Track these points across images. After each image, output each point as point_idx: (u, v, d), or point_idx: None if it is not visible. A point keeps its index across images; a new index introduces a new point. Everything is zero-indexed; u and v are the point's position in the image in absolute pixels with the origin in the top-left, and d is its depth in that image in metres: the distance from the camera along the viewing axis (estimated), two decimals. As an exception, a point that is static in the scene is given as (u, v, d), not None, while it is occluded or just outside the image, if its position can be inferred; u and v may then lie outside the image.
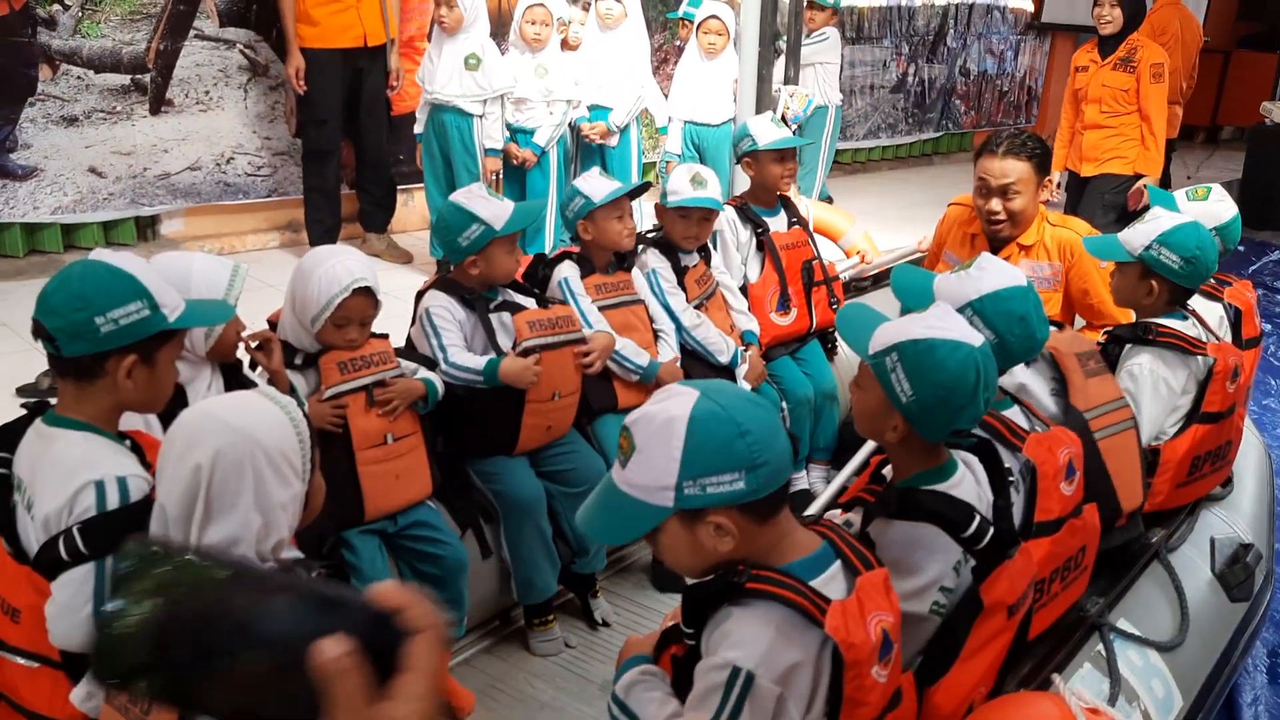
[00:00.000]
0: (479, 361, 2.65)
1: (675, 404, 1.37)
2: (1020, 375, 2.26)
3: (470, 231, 2.64)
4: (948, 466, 1.77)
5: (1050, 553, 1.96)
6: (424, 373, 2.56)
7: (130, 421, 1.91)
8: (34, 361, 1.91)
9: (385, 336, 2.53)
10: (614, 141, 5.15)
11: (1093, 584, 2.19)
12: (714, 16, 5.19)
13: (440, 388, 2.57)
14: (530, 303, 2.83)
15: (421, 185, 5.47)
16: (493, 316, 2.72)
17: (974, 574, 1.68)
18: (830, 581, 1.44)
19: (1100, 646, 2.13)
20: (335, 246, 2.49)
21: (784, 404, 3.49)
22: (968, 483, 1.78)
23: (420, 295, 2.76)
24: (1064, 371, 2.30)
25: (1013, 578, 1.69)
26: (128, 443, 1.79)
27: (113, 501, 1.66)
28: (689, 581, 1.50)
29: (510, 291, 2.82)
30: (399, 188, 5.59)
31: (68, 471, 1.67)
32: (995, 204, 3.10)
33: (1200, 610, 2.41)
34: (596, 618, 2.95)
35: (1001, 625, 1.70)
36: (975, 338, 1.69)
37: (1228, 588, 2.56)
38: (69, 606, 1.66)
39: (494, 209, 2.68)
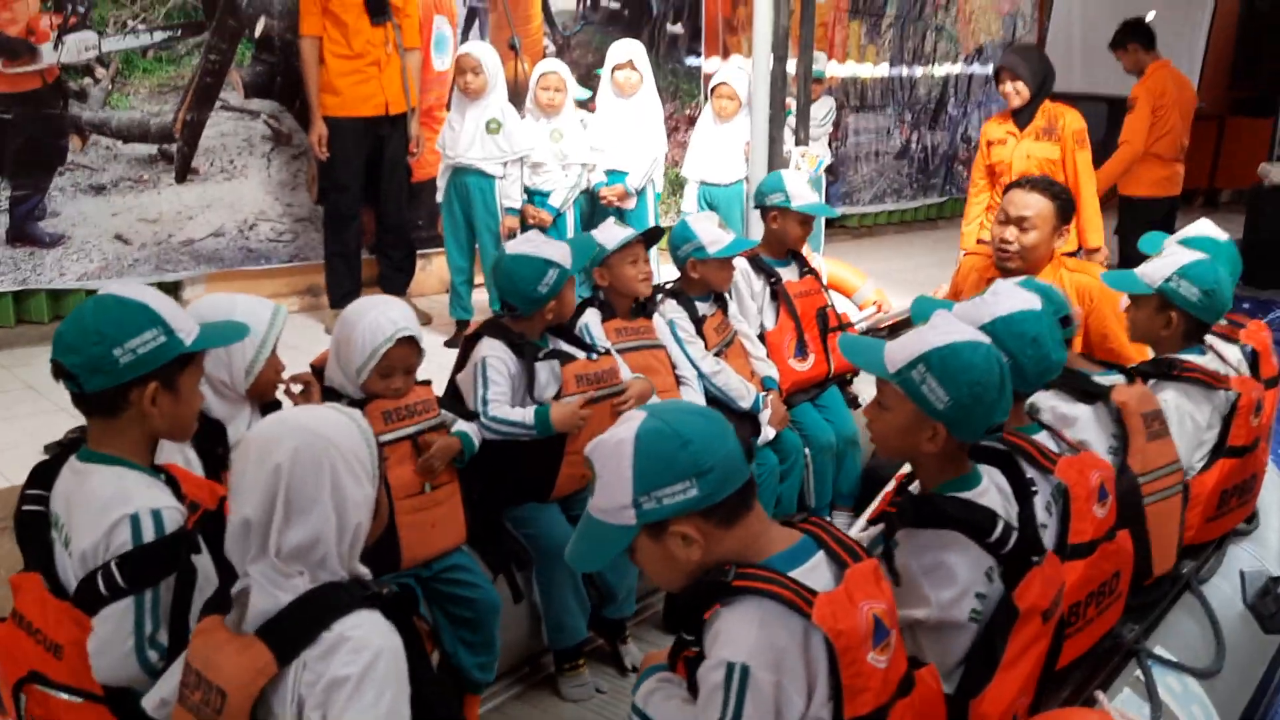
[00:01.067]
0: (526, 414, 2.66)
1: (624, 428, 1.46)
2: (1084, 428, 2.27)
3: (549, 278, 2.69)
4: (973, 477, 1.81)
5: (1085, 576, 1.98)
6: (460, 425, 2.58)
7: (167, 457, 1.94)
8: (61, 423, 1.95)
9: (428, 383, 2.54)
10: (631, 204, 5.26)
11: (1125, 614, 2.20)
12: (725, 83, 5.34)
13: (476, 442, 2.58)
14: (578, 353, 2.86)
15: (439, 250, 5.59)
16: (539, 365, 2.75)
17: (1004, 580, 1.71)
18: (813, 571, 1.47)
19: (1138, 672, 2.13)
20: (379, 297, 2.51)
21: (807, 450, 3.52)
22: (992, 493, 1.82)
23: (471, 339, 2.80)
24: (1128, 430, 2.29)
25: (1043, 583, 1.71)
26: (162, 476, 1.81)
27: (148, 534, 1.68)
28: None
29: (560, 341, 2.87)
30: (418, 252, 5.68)
31: (102, 507, 1.69)
32: (1010, 233, 3.16)
33: (1235, 640, 2.41)
34: (626, 663, 2.95)
35: (1038, 631, 1.72)
36: (984, 337, 1.76)
37: (1260, 619, 2.56)
38: (110, 641, 1.67)
39: (559, 250, 2.76)
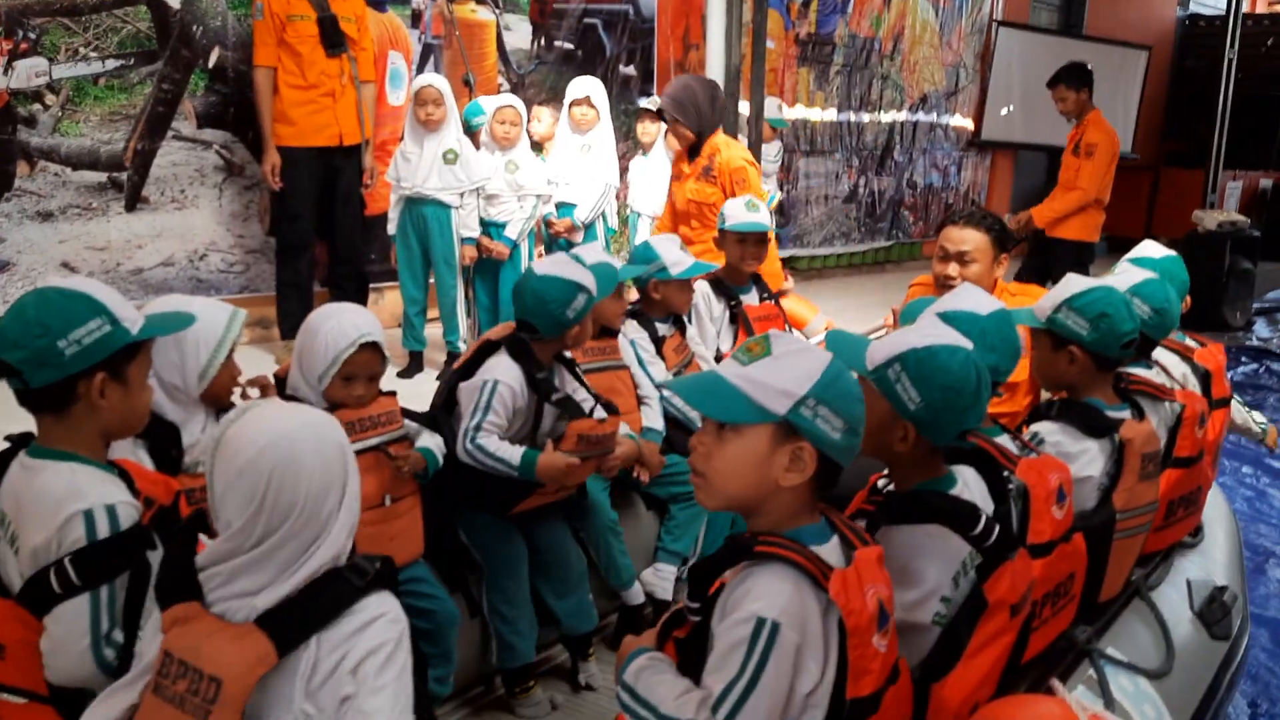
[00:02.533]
0: (513, 454, 2.57)
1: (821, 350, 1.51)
2: (1090, 463, 2.26)
3: (578, 303, 2.63)
4: (948, 479, 1.83)
5: (1042, 576, 2.00)
6: (425, 440, 2.50)
7: (119, 453, 1.89)
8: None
9: (393, 394, 2.49)
10: (579, 237, 5.30)
11: (1077, 617, 2.23)
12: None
13: (440, 459, 2.51)
14: (586, 403, 2.79)
15: (392, 284, 5.57)
16: (547, 408, 2.69)
17: (978, 572, 1.73)
18: (831, 553, 1.49)
19: (1091, 671, 2.16)
20: (343, 304, 2.44)
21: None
22: (967, 495, 1.83)
23: (487, 348, 2.67)
24: (1124, 468, 2.27)
25: (1014, 577, 1.73)
26: (115, 471, 1.77)
27: (103, 530, 1.64)
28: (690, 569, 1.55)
29: (569, 377, 2.81)
30: (370, 285, 5.65)
31: (55, 502, 1.65)
32: (951, 269, 3.23)
33: (1184, 645, 2.45)
34: (580, 680, 2.91)
35: (1004, 624, 1.73)
36: (967, 343, 1.77)
37: (1208, 625, 2.60)
38: (65, 640, 1.63)
39: (586, 275, 2.69)
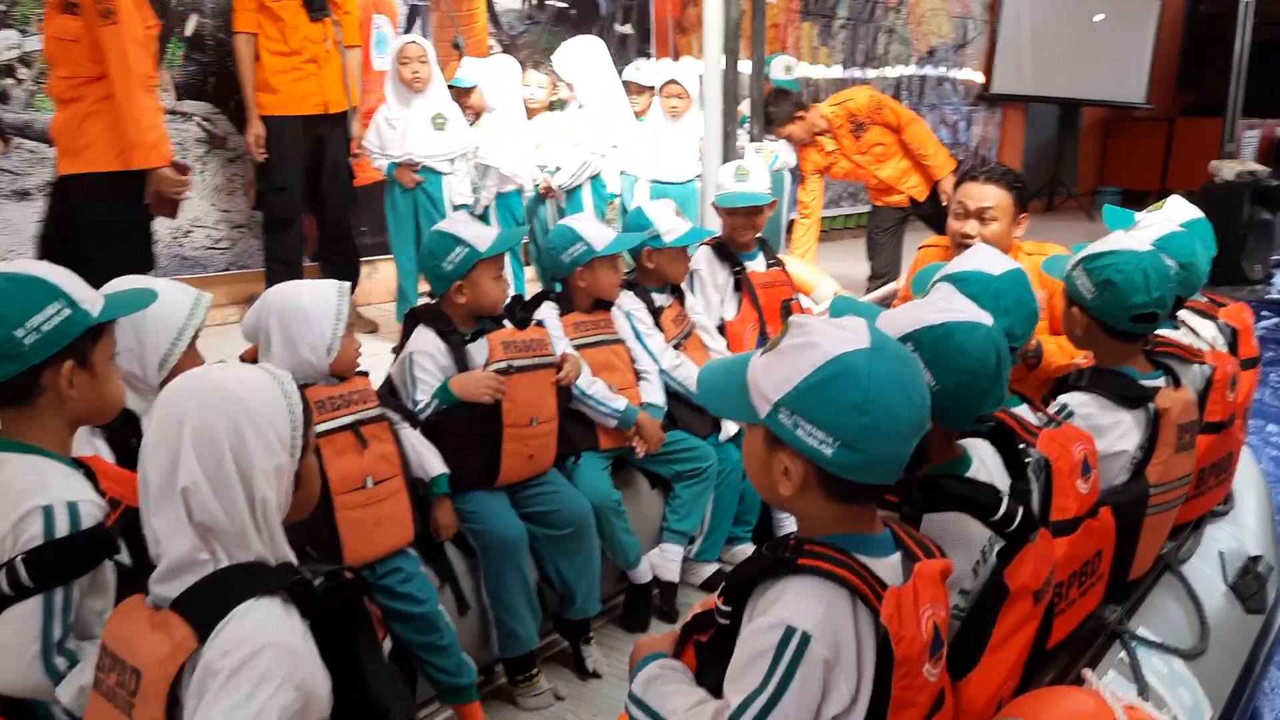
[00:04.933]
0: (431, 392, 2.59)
1: (839, 337, 1.28)
2: (1123, 436, 2.10)
3: (454, 255, 2.59)
4: (964, 460, 1.67)
5: (1068, 555, 1.85)
6: (430, 463, 2.48)
7: (76, 448, 1.76)
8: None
9: (365, 374, 2.41)
10: (562, 201, 5.14)
11: (1105, 596, 2.09)
12: (673, 81, 5.24)
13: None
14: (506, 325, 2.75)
15: (385, 257, 5.42)
16: (470, 347, 2.63)
17: (999, 558, 1.57)
18: (890, 570, 1.33)
19: (1123, 654, 2.01)
20: (287, 283, 2.37)
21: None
22: (983, 475, 1.68)
23: (406, 325, 2.69)
24: (1159, 439, 2.10)
25: (1036, 561, 1.57)
26: (82, 469, 1.64)
27: (62, 528, 1.51)
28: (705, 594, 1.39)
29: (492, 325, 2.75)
30: (362, 259, 5.49)
31: (13, 497, 1.52)
32: (971, 226, 3.06)
33: (1218, 621, 2.30)
34: (588, 666, 2.79)
35: (1028, 612, 1.58)
36: (987, 318, 1.61)
37: (1242, 599, 2.46)
38: (13, 647, 1.49)
39: (477, 231, 2.65)
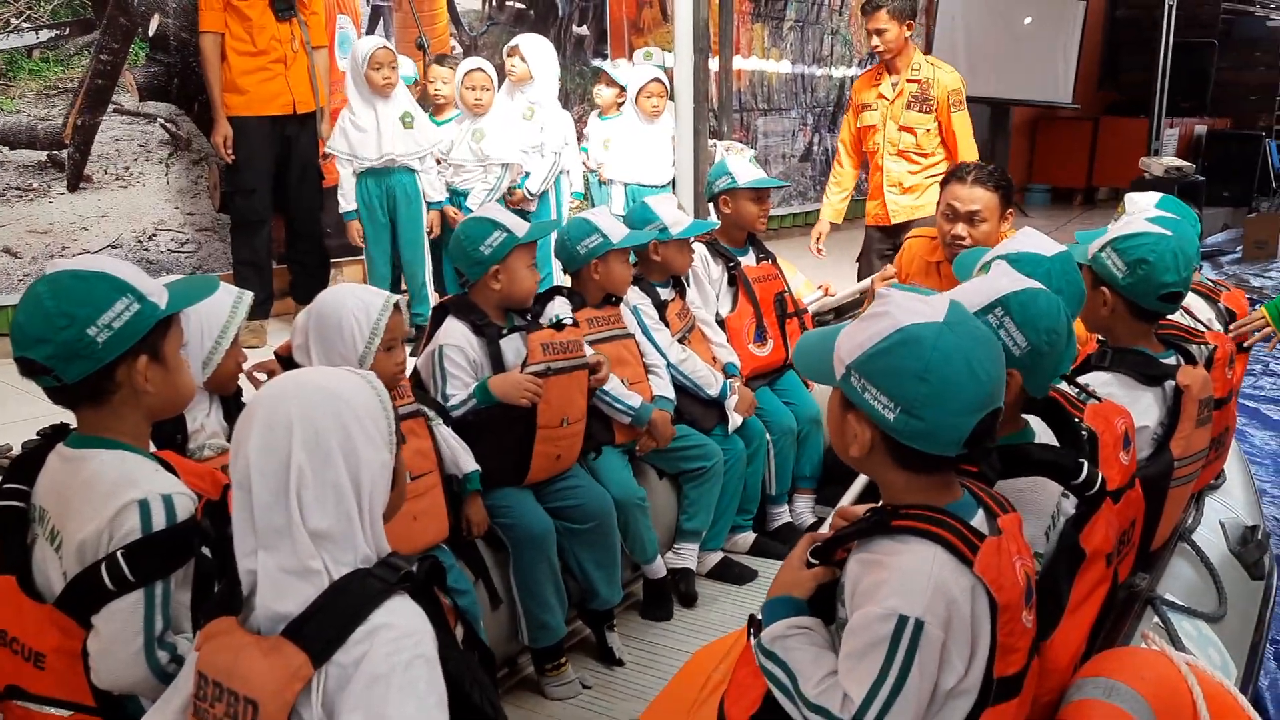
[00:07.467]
0: (469, 391, 2.59)
1: (913, 309, 1.34)
2: (1145, 412, 2.16)
3: (493, 239, 2.60)
4: (1027, 432, 1.75)
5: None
6: (463, 459, 2.48)
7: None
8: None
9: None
10: (532, 206, 5.12)
11: (1135, 565, 2.18)
12: (655, 80, 5.24)
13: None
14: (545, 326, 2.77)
15: (352, 258, 5.36)
16: (504, 342, 2.63)
17: (1071, 524, 1.65)
18: (980, 526, 1.39)
19: (1156, 619, 2.11)
20: (338, 286, 2.34)
21: (769, 435, 3.45)
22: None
23: (435, 316, 2.69)
24: (1181, 414, 2.19)
25: (1107, 525, 1.66)
26: (161, 462, 1.63)
27: (159, 521, 1.51)
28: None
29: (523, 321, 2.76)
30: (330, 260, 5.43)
31: (106, 492, 1.51)
32: (961, 229, 3.17)
33: (1230, 587, 2.42)
34: (615, 654, 2.82)
35: (1102, 574, 1.67)
36: (1042, 287, 1.69)
37: (1246, 565, 2.58)
38: (116, 640, 1.49)
39: (513, 219, 2.67)
